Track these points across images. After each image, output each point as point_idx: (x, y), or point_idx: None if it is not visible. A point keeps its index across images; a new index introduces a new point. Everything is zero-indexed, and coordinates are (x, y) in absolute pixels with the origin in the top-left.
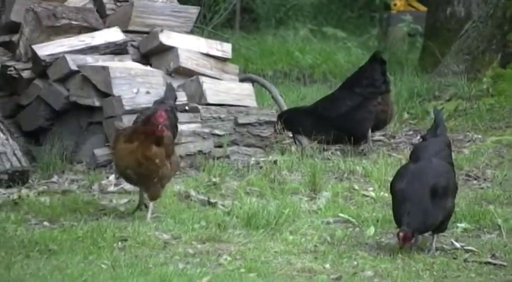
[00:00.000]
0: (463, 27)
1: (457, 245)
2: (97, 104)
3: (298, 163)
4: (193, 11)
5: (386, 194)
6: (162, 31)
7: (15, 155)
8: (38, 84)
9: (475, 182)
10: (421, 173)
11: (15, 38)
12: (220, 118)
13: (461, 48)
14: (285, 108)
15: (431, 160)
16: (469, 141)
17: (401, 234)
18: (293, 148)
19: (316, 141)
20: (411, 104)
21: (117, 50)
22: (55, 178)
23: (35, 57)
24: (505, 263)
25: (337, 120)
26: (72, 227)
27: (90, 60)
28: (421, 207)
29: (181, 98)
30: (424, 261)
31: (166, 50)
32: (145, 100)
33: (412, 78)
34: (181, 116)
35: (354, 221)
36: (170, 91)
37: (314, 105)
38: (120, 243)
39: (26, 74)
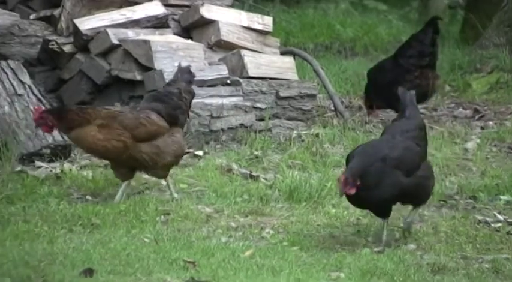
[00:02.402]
0: (504, 0)
1: (500, 217)
2: (138, 77)
3: (340, 136)
4: None
5: None
6: (203, 5)
7: None
8: (79, 58)
9: None
10: (378, 145)
11: (56, 12)
12: (261, 91)
13: (502, 21)
14: (327, 81)
15: (395, 136)
16: (510, 113)
17: (342, 176)
18: (335, 121)
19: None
20: (452, 76)
21: (158, 23)
22: None
23: (76, 32)
24: None
25: (383, 89)
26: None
27: (131, 34)
28: (367, 161)
29: (223, 71)
30: (467, 234)
31: (207, 23)
32: None
33: (454, 51)
34: (222, 90)
35: None
36: (182, 73)
37: (369, 70)
38: (162, 217)
39: (67, 49)
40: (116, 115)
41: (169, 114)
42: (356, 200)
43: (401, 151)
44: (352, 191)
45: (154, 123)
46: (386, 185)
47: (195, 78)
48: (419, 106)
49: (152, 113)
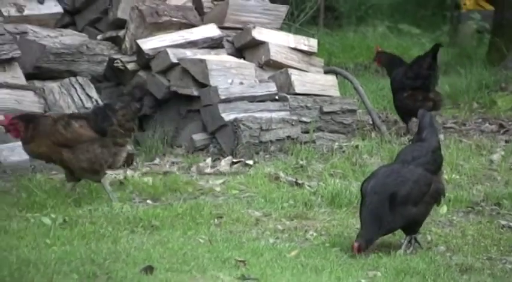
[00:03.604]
0: None
1: None
2: (195, 93)
3: (378, 148)
4: (283, 9)
5: (457, 176)
6: (254, 27)
7: None
8: (141, 75)
9: None
10: (387, 178)
11: (121, 33)
12: (306, 107)
13: None
14: (366, 97)
15: (405, 165)
16: None
17: (355, 244)
18: (373, 134)
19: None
20: (480, 94)
21: (213, 44)
22: (157, 160)
23: (139, 51)
24: None
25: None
26: (172, 205)
27: (189, 53)
28: (377, 216)
29: (272, 88)
30: (492, 237)
31: (258, 44)
32: (238, 90)
33: (481, 71)
34: (271, 105)
35: None
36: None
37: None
38: (216, 220)
39: (131, 66)
40: (40, 123)
41: (96, 125)
42: None
43: (410, 186)
44: (367, 248)
45: (73, 131)
46: (397, 218)
47: (246, 95)
48: (450, 121)
49: (76, 121)
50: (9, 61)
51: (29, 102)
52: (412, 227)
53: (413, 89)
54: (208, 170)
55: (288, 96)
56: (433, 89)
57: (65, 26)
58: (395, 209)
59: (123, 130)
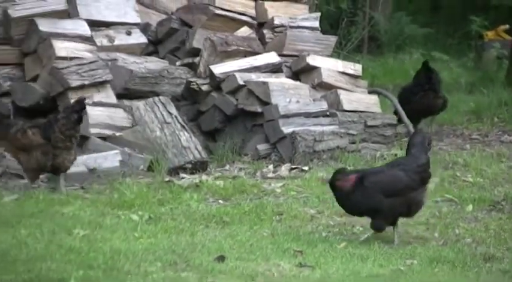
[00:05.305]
0: None
1: None
2: (259, 110)
3: None
4: (332, 39)
5: (481, 180)
6: (308, 55)
7: (197, 149)
8: (214, 95)
9: None
10: (373, 173)
11: (196, 60)
12: (353, 121)
13: None
14: (403, 113)
15: (391, 168)
16: None
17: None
18: None
19: None
20: (500, 110)
21: (274, 69)
22: (227, 167)
23: (211, 75)
24: None
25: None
26: (240, 204)
27: (253, 77)
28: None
29: (323, 106)
30: (511, 231)
31: (312, 69)
32: (295, 107)
33: (501, 91)
34: (323, 120)
35: (456, 200)
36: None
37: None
38: (277, 216)
39: (205, 88)
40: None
41: (43, 132)
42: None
43: (384, 175)
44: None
45: (27, 138)
46: (364, 199)
47: (302, 111)
48: (475, 133)
49: (30, 129)
50: (102, 83)
51: (119, 118)
52: (377, 216)
53: (424, 91)
54: (270, 175)
55: (337, 113)
56: (440, 91)
57: (149, 54)
58: (364, 189)
59: (63, 136)
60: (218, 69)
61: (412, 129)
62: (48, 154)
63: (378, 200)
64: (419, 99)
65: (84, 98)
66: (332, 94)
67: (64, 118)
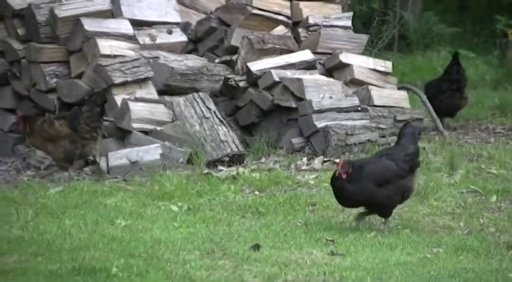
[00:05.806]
0: None
1: None
2: (294, 105)
3: (440, 149)
4: (364, 37)
5: (505, 172)
6: (341, 52)
7: (234, 142)
8: (250, 91)
9: None
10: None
11: (234, 57)
12: (383, 116)
13: None
14: (431, 108)
15: (380, 157)
16: None
17: (340, 162)
18: (436, 138)
19: None
20: None
21: (308, 66)
22: (263, 160)
23: (248, 72)
24: None
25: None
26: (275, 195)
27: (288, 73)
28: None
29: (355, 101)
30: None
31: (344, 66)
32: (328, 103)
33: None
34: (354, 115)
35: (481, 191)
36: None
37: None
38: (310, 207)
39: (242, 84)
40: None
41: (70, 123)
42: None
43: (375, 165)
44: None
45: (54, 129)
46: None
47: (335, 107)
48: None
49: (58, 121)
50: (144, 80)
51: (160, 113)
52: (376, 208)
53: (452, 90)
54: (304, 167)
55: (368, 108)
56: (464, 90)
57: (189, 52)
58: (360, 181)
59: (89, 128)
60: (255, 66)
61: (439, 124)
62: (77, 143)
63: (371, 189)
64: (446, 99)
65: (105, 93)
66: (363, 90)
67: (88, 111)
